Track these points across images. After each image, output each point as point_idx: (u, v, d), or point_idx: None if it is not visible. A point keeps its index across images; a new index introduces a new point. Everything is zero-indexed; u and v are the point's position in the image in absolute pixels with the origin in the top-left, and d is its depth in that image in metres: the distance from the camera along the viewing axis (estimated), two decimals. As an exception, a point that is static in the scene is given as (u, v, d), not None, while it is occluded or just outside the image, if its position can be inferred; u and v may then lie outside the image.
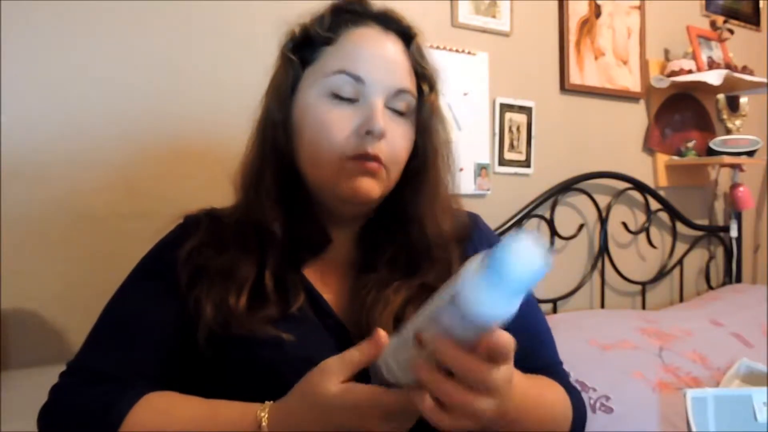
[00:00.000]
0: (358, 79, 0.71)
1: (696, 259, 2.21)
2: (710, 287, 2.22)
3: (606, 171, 1.91)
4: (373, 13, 0.75)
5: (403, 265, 0.74)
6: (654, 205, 2.03)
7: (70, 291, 1.13)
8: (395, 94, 0.73)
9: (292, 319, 0.68)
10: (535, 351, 0.77)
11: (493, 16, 1.69)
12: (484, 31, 1.68)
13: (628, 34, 2.01)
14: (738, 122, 2.35)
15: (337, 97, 0.71)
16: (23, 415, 0.75)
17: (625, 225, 1.97)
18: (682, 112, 2.17)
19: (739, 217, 2.23)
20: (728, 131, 2.32)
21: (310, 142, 0.72)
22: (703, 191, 2.27)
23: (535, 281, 0.43)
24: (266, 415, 0.57)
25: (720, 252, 2.28)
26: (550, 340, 0.83)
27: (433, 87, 0.78)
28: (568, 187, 1.82)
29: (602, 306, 1.92)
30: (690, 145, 2.09)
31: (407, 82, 0.75)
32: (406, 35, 0.77)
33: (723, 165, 2.17)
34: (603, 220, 1.91)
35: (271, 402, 0.59)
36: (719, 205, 2.32)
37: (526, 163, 1.77)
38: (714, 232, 2.24)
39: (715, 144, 2.07)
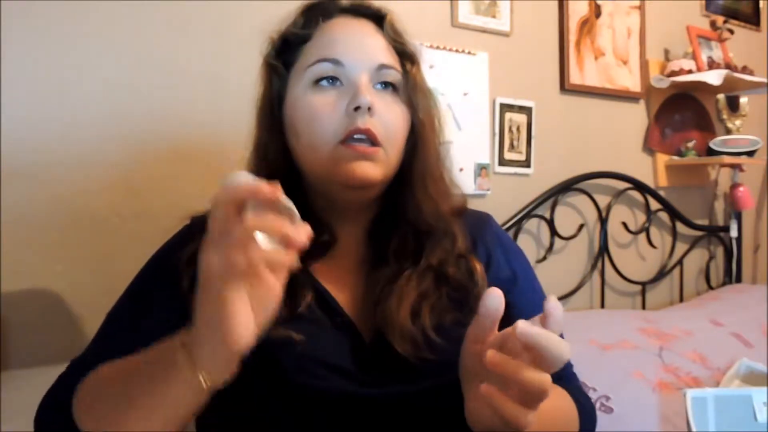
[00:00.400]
0: (336, 62, 0.71)
1: (696, 259, 2.21)
2: (710, 287, 2.22)
3: (606, 171, 1.91)
4: (343, 6, 0.77)
5: (410, 253, 0.74)
6: (654, 205, 2.03)
7: (70, 291, 1.13)
8: (378, 69, 0.73)
9: (300, 319, 0.68)
10: None
11: (493, 16, 1.69)
12: (484, 31, 1.68)
13: (628, 34, 2.01)
14: (738, 122, 2.35)
15: (321, 85, 0.72)
16: (23, 415, 0.75)
17: (625, 225, 1.97)
18: (682, 112, 2.17)
19: (739, 217, 2.23)
20: (728, 131, 2.32)
21: (303, 133, 0.72)
22: (703, 191, 2.28)
23: None
24: (183, 333, 0.56)
25: (720, 252, 2.28)
26: None
27: (414, 62, 0.77)
28: (568, 187, 1.82)
29: (602, 306, 1.92)
30: (690, 145, 2.09)
31: (388, 58, 0.75)
32: (377, 17, 0.78)
33: (723, 165, 2.17)
34: (603, 220, 1.91)
35: None
36: (719, 205, 2.32)
37: (526, 163, 1.77)
38: (714, 232, 2.24)
39: (715, 144, 2.07)
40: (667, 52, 2.15)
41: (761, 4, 2.50)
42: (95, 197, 1.15)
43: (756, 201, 2.38)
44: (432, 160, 0.77)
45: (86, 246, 1.14)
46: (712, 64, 2.02)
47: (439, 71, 1.57)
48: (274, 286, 0.50)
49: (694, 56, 2.02)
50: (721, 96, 2.29)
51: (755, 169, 2.43)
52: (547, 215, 1.79)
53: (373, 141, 0.70)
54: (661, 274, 2.08)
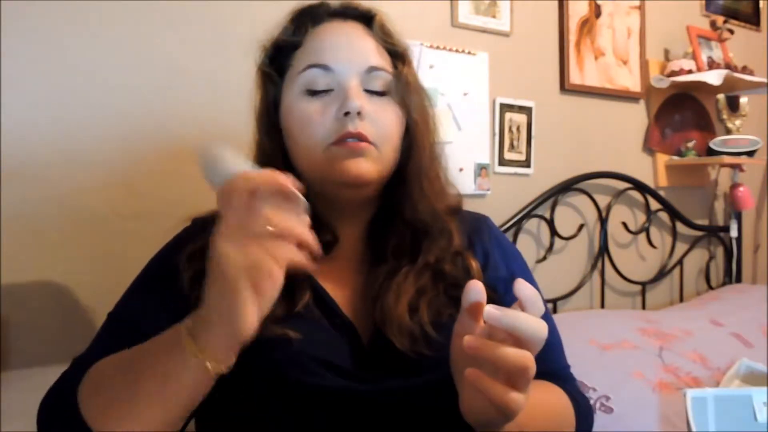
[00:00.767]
0: (326, 68, 0.72)
1: (696, 259, 2.21)
2: (710, 287, 2.22)
3: (606, 171, 1.91)
4: (331, 9, 0.77)
5: (408, 251, 0.75)
6: (654, 205, 2.03)
7: (70, 291, 1.13)
8: (368, 72, 0.73)
9: (298, 318, 0.68)
10: (544, 354, 0.79)
11: (493, 16, 1.69)
12: (484, 31, 1.68)
13: (628, 34, 2.01)
14: (738, 122, 2.35)
15: (312, 91, 0.73)
16: (23, 415, 0.75)
17: (625, 225, 1.97)
18: (682, 112, 2.17)
19: (739, 217, 2.23)
20: (728, 131, 2.32)
21: (297, 140, 0.73)
22: (703, 191, 2.28)
23: None
24: (188, 321, 0.57)
25: (720, 252, 2.28)
26: (559, 344, 0.83)
27: (405, 61, 0.78)
28: (568, 187, 1.82)
29: (602, 306, 1.92)
30: (690, 145, 2.09)
31: (378, 60, 0.75)
32: (366, 18, 0.78)
33: (723, 165, 2.17)
34: (603, 220, 1.91)
35: None
36: (719, 205, 2.32)
37: (526, 163, 1.77)
38: (714, 232, 2.24)
39: (715, 144, 2.07)
40: (667, 52, 2.15)
41: (761, 4, 2.50)
42: (95, 197, 1.15)
43: (756, 201, 2.38)
44: (425, 159, 0.77)
45: (86, 246, 1.14)
46: (712, 64, 2.02)
47: (439, 71, 1.57)
48: (279, 279, 0.52)
49: (694, 56, 2.02)
50: (721, 96, 2.29)
51: (755, 169, 2.43)
52: (547, 215, 1.79)
53: (363, 140, 0.71)
54: (661, 274, 2.08)
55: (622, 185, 1.95)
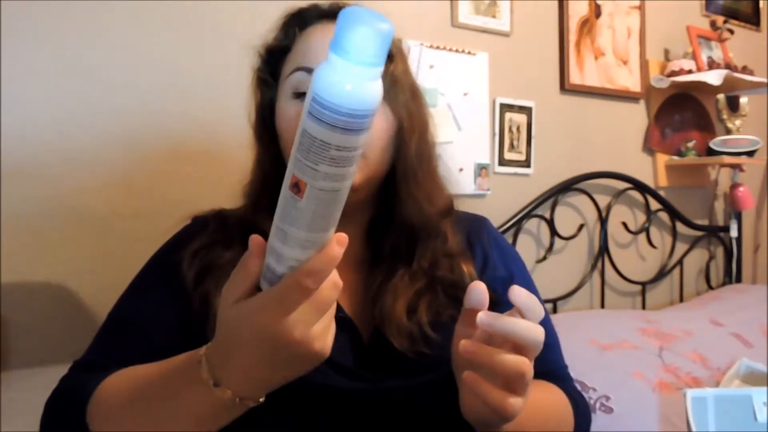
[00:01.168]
0: (310, 71, 0.72)
1: (696, 259, 2.21)
2: (710, 287, 2.22)
3: (606, 171, 1.91)
4: (319, 11, 0.77)
5: (404, 254, 0.75)
6: (654, 205, 2.03)
7: (71, 291, 1.13)
8: None
9: None
10: (542, 355, 0.79)
11: (493, 16, 1.69)
12: (484, 31, 1.68)
13: (628, 34, 2.01)
14: (738, 122, 2.35)
15: (298, 94, 0.72)
16: (23, 415, 0.75)
17: (625, 225, 1.97)
18: (682, 112, 2.17)
19: (739, 217, 2.23)
20: (728, 131, 2.32)
21: (286, 143, 0.73)
22: (703, 191, 2.28)
23: (381, 43, 0.40)
24: (204, 350, 0.54)
25: (720, 252, 2.28)
26: (557, 344, 0.83)
27: (394, 59, 0.75)
28: (568, 187, 1.82)
29: (602, 306, 1.92)
30: (690, 145, 2.09)
31: None
32: None
33: (723, 165, 2.17)
34: (603, 220, 1.91)
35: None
36: (719, 205, 2.32)
37: (526, 163, 1.77)
38: (714, 232, 2.24)
39: (715, 144, 2.07)
40: (667, 52, 2.15)
41: (761, 4, 2.50)
42: (95, 197, 1.15)
43: (756, 201, 2.38)
44: (411, 161, 0.74)
45: (86, 246, 1.14)
46: (712, 64, 2.02)
47: (439, 71, 1.57)
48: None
49: (694, 56, 2.02)
50: (721, 96, 2.29)
51: (755, 169, 2.43)
52: (547, 215, 1.79)
53: None
54: (661, 274, 2.08)
55: (622, 185, 1.95)
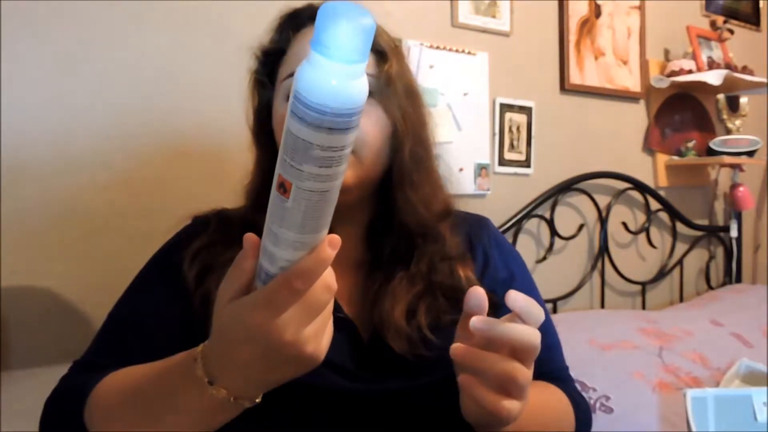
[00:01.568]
0: None
1: (696, 259, 2.21)
2: (710, 287, 2.22)
3: (606, 171, 1.91)
4: (313, 12, 0.76)
5: (402, 256, 0.74)
6: (654, 205, 2.03)
7: (70, 291, 1.13)
8: None
9: None
10: (543, 356, 0.79)
11: (493, 16, 1.69)
12: (484, 31, 1.68)
13: (628, 34, 2.01)
14: (738, 122, 2.35)
15: None
16: (23, 415, 0.75)
17: (625, 225, 1.97)
18: (682, 112, 2.17)
19: (739, 217, 2.23)
20: (728, 131, 2.32)
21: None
22: (703, 191, 2.28)
23: (363, 38, 0.38)
24: (201, 348, 0.54)
25: (720, 252, 2.28)
26: (558, 345, 0.83)
27: (387, 60, 0.74)
28: (568, 187, 1.82)
29: (602, 306, 1.92)
30: (690, 145, 2.09)
31: None
32: None
33: (723, 165, 2.17)
34: (603, 220, 1.91)
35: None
36: (719, 205, 2.32)
37: (526, 163, 1.77)
38: (714, 232, 2.24)
39: (715, 144, 2.07)
40: (667, 52, 2.15)
41: (761, 4, 2.50)
42: (95, 197, 1.15)
43: (756, 201, 2.38)
44: (406, 163, 0.73)
45: (86, 246, 1.14)
46: (712, 64, 2.02)
47: (439, 71, 1.57)
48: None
49: (694, 56, 2.02)
50: (721, 96, 2.29)
51: (755, 169, 2.43)
52: (547, 215, 1.79)
53: None
54: (661, 274, 2.08)
55: (622, 185, 1.95)
